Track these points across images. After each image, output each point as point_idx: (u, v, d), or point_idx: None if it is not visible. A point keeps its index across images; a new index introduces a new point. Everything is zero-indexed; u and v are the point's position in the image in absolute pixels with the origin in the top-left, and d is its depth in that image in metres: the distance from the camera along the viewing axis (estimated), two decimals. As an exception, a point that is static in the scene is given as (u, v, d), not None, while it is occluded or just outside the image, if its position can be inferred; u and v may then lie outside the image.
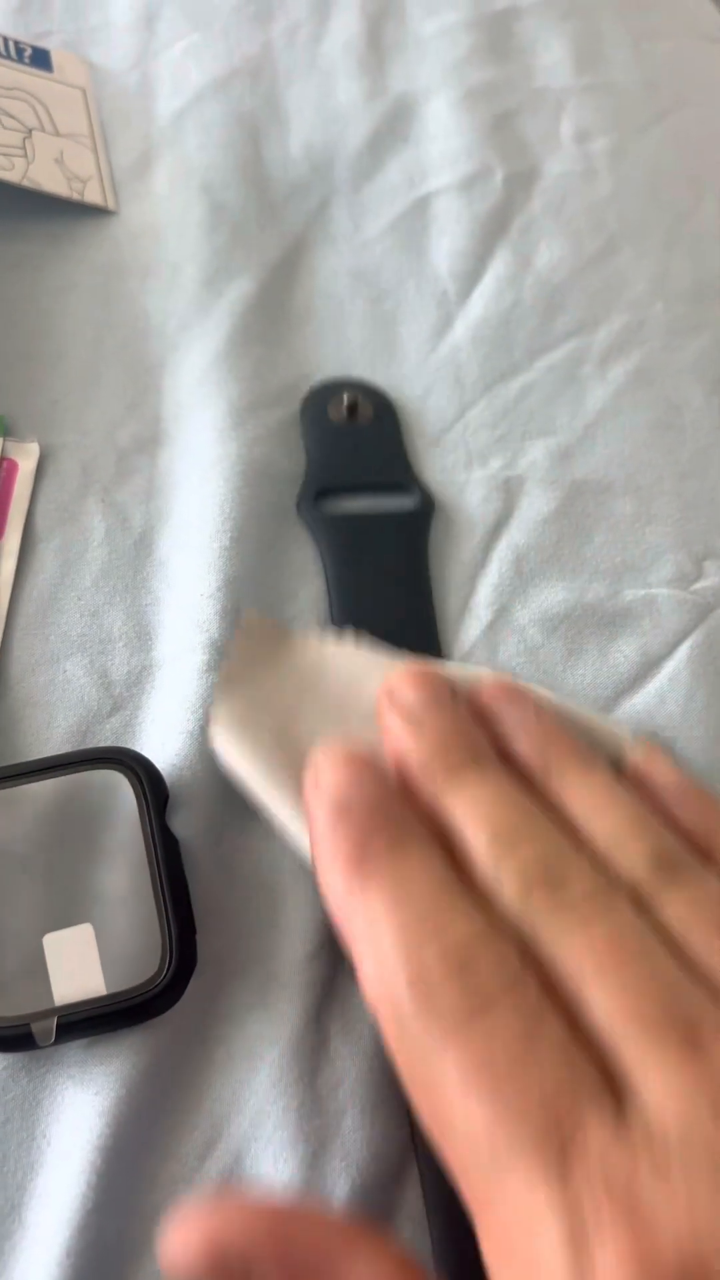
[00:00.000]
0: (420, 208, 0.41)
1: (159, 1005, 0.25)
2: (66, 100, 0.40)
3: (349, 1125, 0.25)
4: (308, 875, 0.28)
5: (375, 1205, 0.25)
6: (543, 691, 0.28)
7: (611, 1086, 0.18)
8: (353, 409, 0.35)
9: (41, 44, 0.42)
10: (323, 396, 0.35)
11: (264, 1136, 0.25)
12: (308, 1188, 0.24)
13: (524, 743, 0.25)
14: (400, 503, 0.34)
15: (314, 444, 0.34)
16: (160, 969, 0.25)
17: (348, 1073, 0.26)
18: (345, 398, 0.35)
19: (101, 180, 0.39)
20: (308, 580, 0.32)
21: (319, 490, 0.33)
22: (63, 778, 0.27)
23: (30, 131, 0.39)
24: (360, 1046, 0.26)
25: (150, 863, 0.26)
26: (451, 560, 0.33)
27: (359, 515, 0.33)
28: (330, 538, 0.32)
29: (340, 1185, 0.25)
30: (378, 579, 0.32)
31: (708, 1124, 0.16)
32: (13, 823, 0.26)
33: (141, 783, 0.27)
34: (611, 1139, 0.17)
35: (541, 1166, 0.17)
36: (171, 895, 0.25)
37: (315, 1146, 0.25)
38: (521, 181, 0.42)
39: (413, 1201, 0.25)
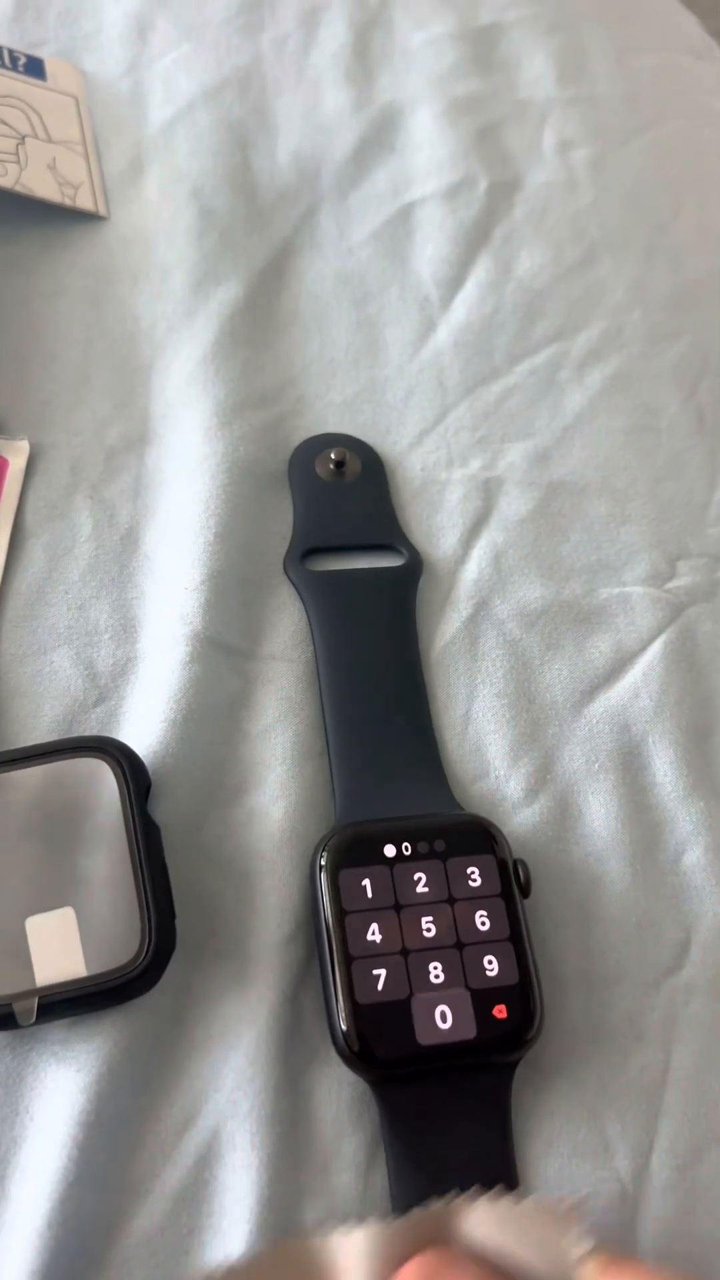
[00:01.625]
0: (404, 215, 0.42)
1: (138, 986, 0.25)
2: (60, 108, 0.41)
3: (318, 1103, 0.26)
4: (283, 863, 0.29)
5: (342, 1182, 0.25)
6: (480, 1216, 0.22)
7: None
8: (340, 465, 0.35)
9: (36, 52, 0.43)
10: (310, 451, 0.35)
11: (240, 1113, 0.25)
12: (279, 1162, 0.25)
13: None
14: (388, 560, 0.34)
15: (301, 500, 0.34)
16: (140, 951, 0.25)
17: (317, 1053, 0.27)
18: (333, 454, 0.35)
19: (93, 186, 0.40)
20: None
21: (306, 550, 0.33)
22: (47, 765, 0.27)
23: (24, 138, 0.39)
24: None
25: (131, 849, 0.26)
26: (433, 555, 0.34)
27: (346, 572, 0.33)
28: (318, 596, 0.32)
29: (310, 1162, 0.25)
30: (364, 636, 0.32)
31: None
32: (-1, 808, 0.27)
33: (124, 771, 0.27)
34: None
35: None
36: (151, 880, 0.26)
37: (288, 1124, 0.26)
38: (504, 191, 0.43)
39: (379, 1182, 0.25)
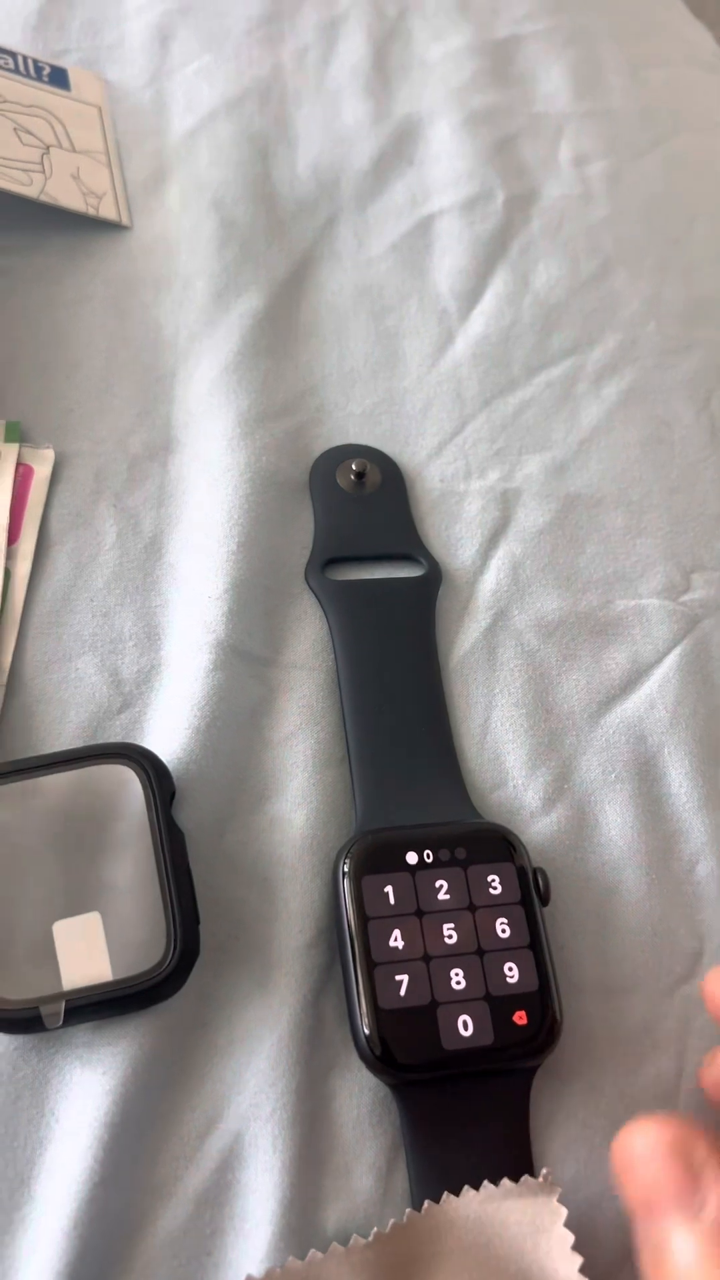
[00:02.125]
0: (423, 227, 0.42)
1: (164, 991, 0.26)
2: (83, 117, 0.42)
3: (339, 1107, 0.26)
4: (304, 869, 0.29)
5: (363, 1185, 0.26)
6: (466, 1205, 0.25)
7: None
8: (361, 475, 0.35)
9: (59, 62, 0.43)
10: (331, 462, 0.36)
11: (262, 1116, 0.26)
12: (301, 1165, 0.25)
13: None
14: (408, 570, 0.34)
15: (322, 510, 0.35)
16: (165, 956, 0.26)
17: (338, 1057, 0.27)
18: (354, 465, 0.35)
19: (116, 196, 0.40)
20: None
21: (327, 559, 0.34)
22: (74, 771, 0.28)
23: (48, 148, 0.40)
24: (350, 1033, 0.27)
25: (156, 854, 0.27)
26: (451, 565, 0.35)
27: (367, 582, 0.33)
28: (339, 606, 0.33)
29: (332, 1165, 0.26)
30: (385, 645, 0.32)
31: None
32: (25, 814, 0.27)
33: (149, 777, 0.28)
34: None
35: None
36: (176, 885, 0.26)
37: (310, 1127, 0.26)
38: (521, 204, 0.43)
39: (399, 1185, 0.26)
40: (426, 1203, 0.24)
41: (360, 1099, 0.27)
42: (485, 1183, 0.25)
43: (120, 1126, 0.25)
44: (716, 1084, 0.26)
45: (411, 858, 0.27)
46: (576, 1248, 0.24)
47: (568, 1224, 0.24)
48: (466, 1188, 0.25)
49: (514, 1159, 0.26)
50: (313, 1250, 0.24)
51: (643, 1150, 0.22)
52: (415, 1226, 0.24)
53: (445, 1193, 0.24)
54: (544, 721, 0.32)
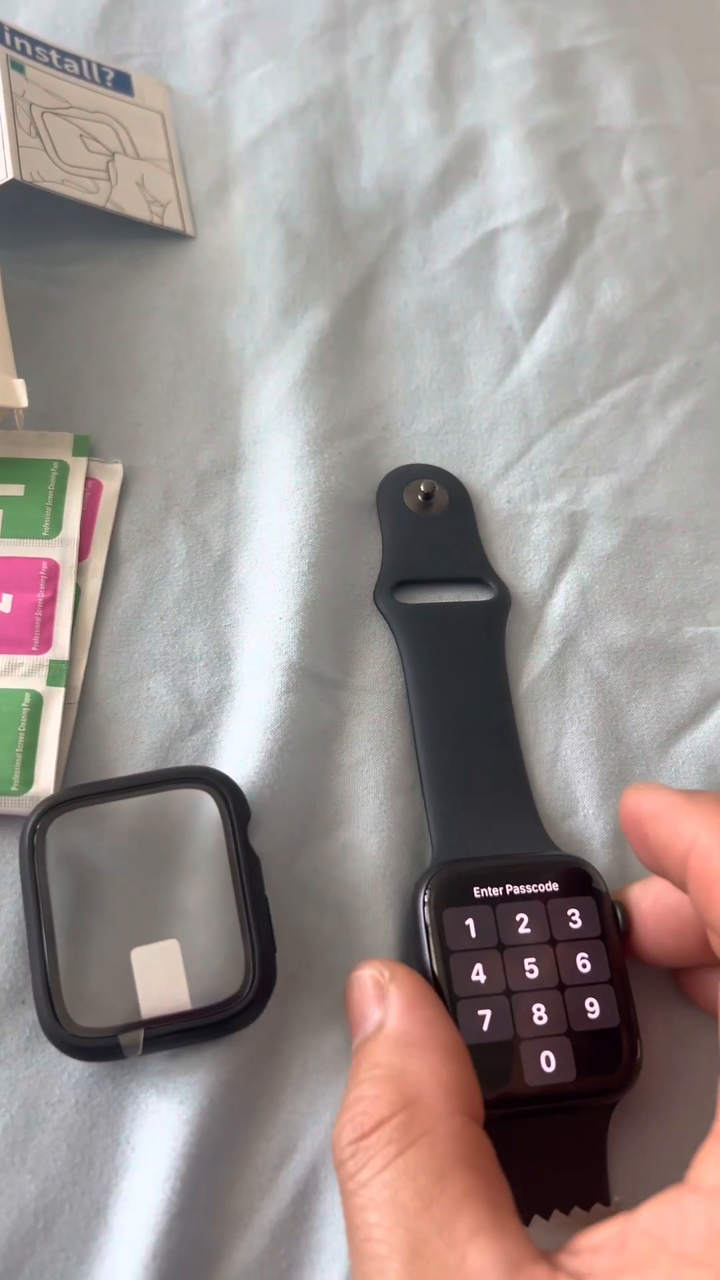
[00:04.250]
0: (487, 243, 0.42)
1: (243, 1019, 0.26)
2: (146, 124, 0.41)
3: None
4: (378, 899, 0.29)
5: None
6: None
7: None
8: (429, 497, 0.35)
9: (121, 67, 0.43)
10: (398, 482, 0.35)
11: (340, 1149, 0.26)
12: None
13: None
14: (476, 594, 0.34)
15: (390, 533, 0.34)
16: (244, 985, 0.26)
17: (415, 1090, 0.27)
18: (422, 486, 0.35)
19: (180, 205, 0.40)
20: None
21: (396, 582, 0.34)
22: (151, 795, 0.27)
23: (113, 155, 0.39)
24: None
25: (235, 880, 0.27)
26: (519, 588, 0.34)
27: (437, 606, 0.33)
28: (409, 630, 0.32)
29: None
30: (455, 670, 0.32)
31: None
32: (103, 838, 0.27)
33: (227, 802, 0.27)
34: None
35: None
36: (254, 912, 0.26)
37: (387, 1160, 0.26)
38: (585, 220, 0.43)
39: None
40: None
41: (438, 1133, 0.26)
42: (555, 1211, 0.24)
43: (197, 1158, 0.25)
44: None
45: (493, 891, 0.27)
46: None
47: None
48: (536, 1217, 0.24)
49: (592, 1192, 0.26)
50: None
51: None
52: None
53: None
54: (614, 750, 0.32)
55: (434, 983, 0.26)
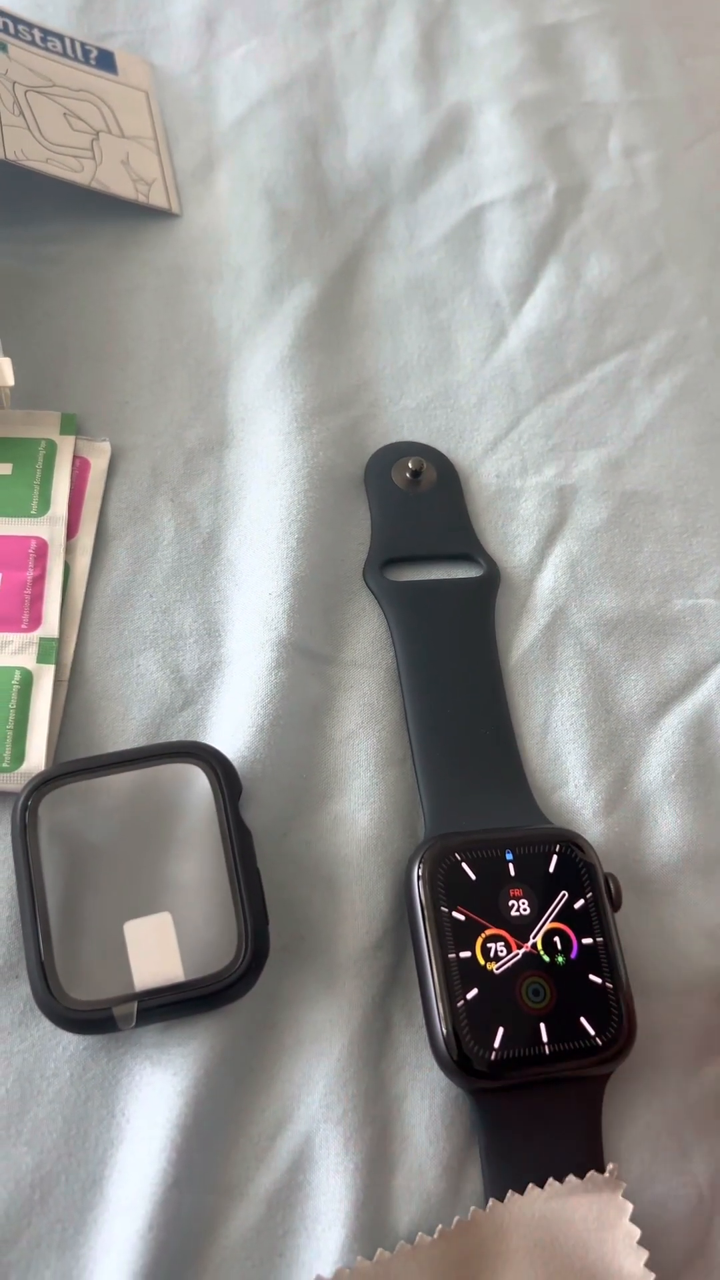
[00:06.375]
0: (474, 219, 0.42)
1: (236, 991, 0.26)
2: (130, 102, 0.41)
3: (410, 1108, 0.26)
4: (370, 870, 0.29)
5: (436, 1185, 0.26)
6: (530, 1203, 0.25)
7: None
8: (417, 474, 0.35)
9: (105, 45, 0.42)
10: (387, 460, 0.35)
11: (334, 1117, 0.26)
12: (373, 1166, 0.25)
13: None
14: (466, 569, 0.34)
15: (378, 511, 0.34)
16: (237, 957, 0.26)
17: (408, 1059, 0.27)
18: (410, 464, 0.35)
19: (165, 183, 0.40)
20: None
21: (385, 560, 0.34)
22: (142, 770, 0.27)
23: (97, 133, 0.39)
24: (420, 1034, 0.27)
25: (226, 854, 0.27)
26: (508, 563, 0.34)
27: (426, 583, 0.33)
28: (399, 607, 0.32)
29: (404, 1165, 0.26)
30: (446, 646, 0.32)
31: None
32: (94, 813, 0.27)
33: (218, 776, 0.27)
34: None
35: None
36: (246, 885, 0.26)
37: (381, 1128, 0.26)
38: (572, 195, 0.43)
39: (471, 1185, 0.26)
40: (491, 1200, 0.24)
41: (432, 1099, 0.26)
42: (550, 1180, 0.25)
43: (192, 1128, 0.25)
44: None
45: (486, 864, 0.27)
46: (642, 1244, 0.24)
47: (633, 1220, 0.24)
48: (531, 1185, 0.25)
49: (587, 1161, 0.26)
50: (380, 1250, 0.24)
51: None
52: (481, 1223, 0.24)
53: (510, 1191, 0.25)
54: (604, 722, 0.32)
55: (428, 955, 0.26)
